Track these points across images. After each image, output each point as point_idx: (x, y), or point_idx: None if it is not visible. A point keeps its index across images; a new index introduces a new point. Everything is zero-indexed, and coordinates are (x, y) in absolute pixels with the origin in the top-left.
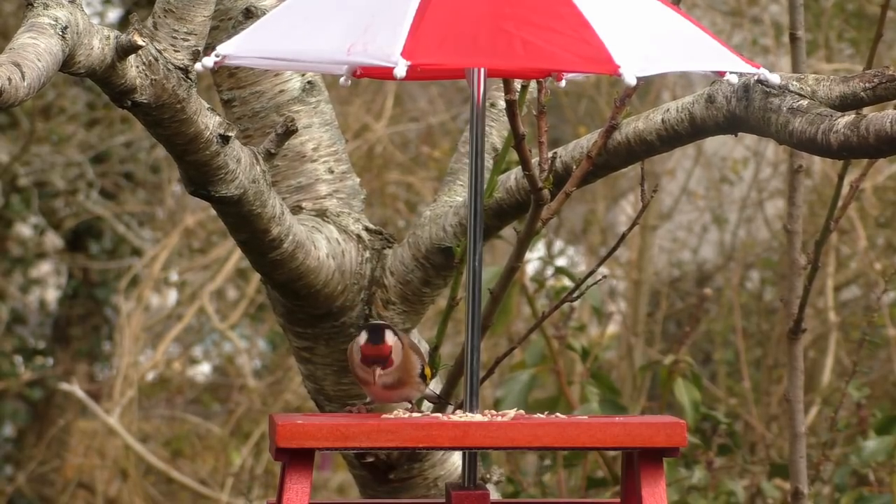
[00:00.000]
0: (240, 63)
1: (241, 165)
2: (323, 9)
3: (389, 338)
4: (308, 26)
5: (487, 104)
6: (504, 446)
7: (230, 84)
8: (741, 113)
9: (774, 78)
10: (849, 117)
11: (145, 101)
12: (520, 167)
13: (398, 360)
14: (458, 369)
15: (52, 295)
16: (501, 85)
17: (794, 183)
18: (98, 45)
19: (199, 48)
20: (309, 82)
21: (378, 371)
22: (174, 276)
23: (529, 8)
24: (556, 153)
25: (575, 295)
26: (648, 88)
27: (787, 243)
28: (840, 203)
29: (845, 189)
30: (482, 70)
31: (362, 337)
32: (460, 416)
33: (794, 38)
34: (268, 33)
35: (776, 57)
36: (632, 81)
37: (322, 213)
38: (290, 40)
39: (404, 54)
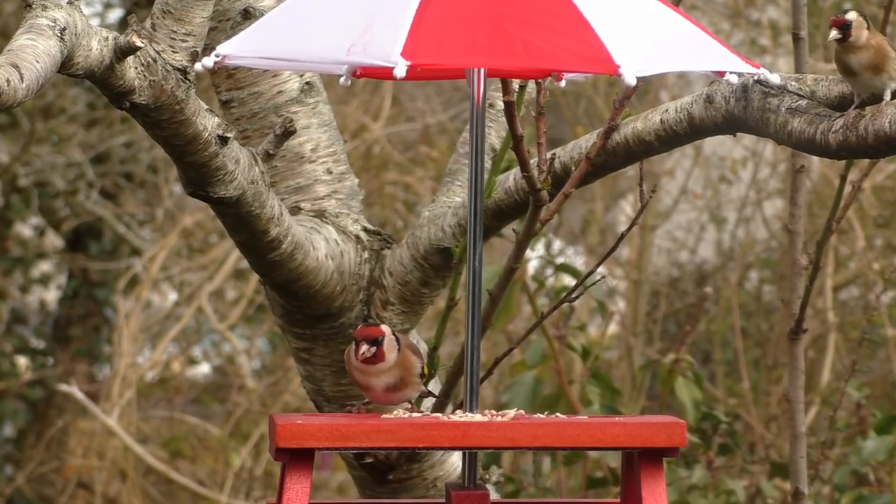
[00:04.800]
0: (239, 63)
1: (240, 166)
2: (322, 9)
3: (385, 329)
4: (308, 26)
5: (487, 105)
6: (504, 446)
7: (228, 85)
8: (740, 113)
9: (774, 78)
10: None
11: (144, 102)
12: (518, 168)
13: (393, 358)
14: (458, 369)
15: (52, 295)
16: (500, 85)
17: (795, 183)
18: (97, 46)
19: (198, 49)
20: (307, 83)
21: (364, 347)
22: (173, 277)
23: (529, 8)
24: (554, 154)
25: (575, 295)
26: (647, 88)
27: (789, 243)
28: (842, 203)
29: (847, 189)
30: (482, 70)
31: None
32: (460, 416)
33: (797, 39)
34: (267, 33)
35: (774, 57)
36: (632, 81)
37: (321, 214)
38: (290, 40)
39: (404, 54)
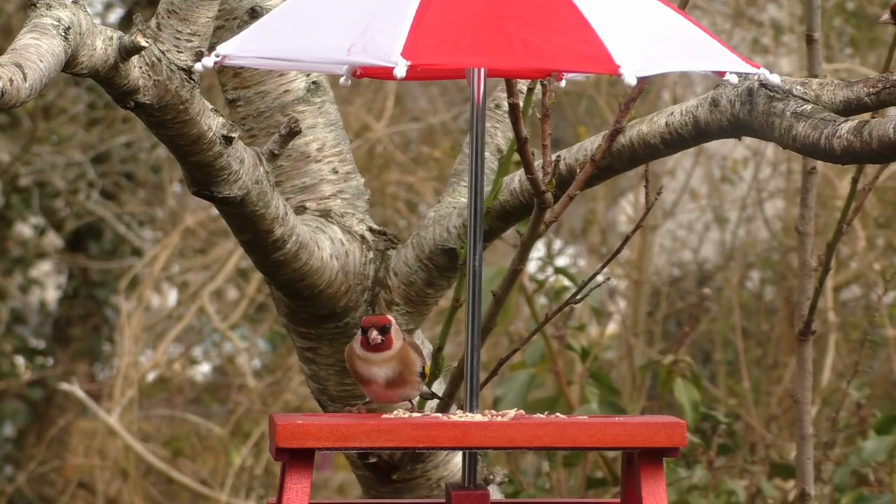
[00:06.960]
0: (239, 63)
1: (245, 166)
2: (323, 9)
3: (391, 318)
4: (308, 26)
5: (492, 105)
6: (504, 446)
7: (235, 84)
8: (745, 117)
9: (774, 78)
10: (852, 122)
11: (148, 101)
12: (523, 169)
13: (398, 346)
14: (461, 371)
15: (52, 295)
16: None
17: (806, 184)
18: (101, 45)
19: (203, 49)
20: (314, 82)
21: (374, 333)
22: (174, 276)
23: (529, 8)
24: (559, 156)
25: (577, 298)
26: (649, 88)
27: (799, 245)
28: (853, 206)
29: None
30: (482, 70)
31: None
32: (460, 416)
33: (810, 40)
34: (268, 33)
35: (776, 57)
36: (632, 81)
37: (326, 214)
38: (290, 40)
39: (404, 54)
